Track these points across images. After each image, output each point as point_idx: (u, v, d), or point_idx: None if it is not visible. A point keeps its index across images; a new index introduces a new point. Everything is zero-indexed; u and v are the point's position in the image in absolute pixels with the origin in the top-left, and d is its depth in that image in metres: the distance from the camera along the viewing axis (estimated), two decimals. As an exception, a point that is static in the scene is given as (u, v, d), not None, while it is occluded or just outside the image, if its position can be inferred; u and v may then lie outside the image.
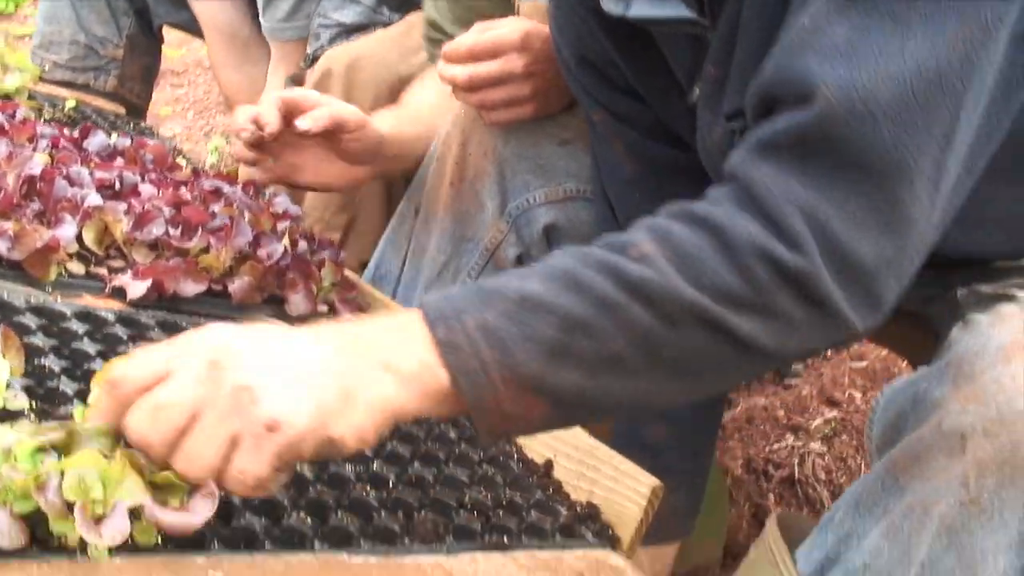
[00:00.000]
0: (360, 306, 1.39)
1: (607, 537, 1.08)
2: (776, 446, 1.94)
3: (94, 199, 1.28)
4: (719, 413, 1.52)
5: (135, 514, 0.76)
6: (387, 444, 1.09)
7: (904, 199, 0.82)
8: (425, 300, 0.84)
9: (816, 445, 1.92)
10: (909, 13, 0.80)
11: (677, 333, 0.81)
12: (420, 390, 0.81)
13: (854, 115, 0.80)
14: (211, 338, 0.80)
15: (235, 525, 0.86)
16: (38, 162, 1.32)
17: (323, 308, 1.35)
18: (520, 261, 1.48)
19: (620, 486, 1.09)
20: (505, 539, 1.00)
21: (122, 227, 1.25)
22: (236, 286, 1.26)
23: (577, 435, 1.15)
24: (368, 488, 1.00)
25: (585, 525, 1.09)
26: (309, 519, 0.91)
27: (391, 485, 1.02)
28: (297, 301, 1.30)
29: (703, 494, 1.44)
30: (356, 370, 0.80)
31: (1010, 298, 0.97)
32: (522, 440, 1.20)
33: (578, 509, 1.10)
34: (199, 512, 0.78)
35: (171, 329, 1.16)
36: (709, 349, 0.82)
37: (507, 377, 0.81)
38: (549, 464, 1.16)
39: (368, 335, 0.83)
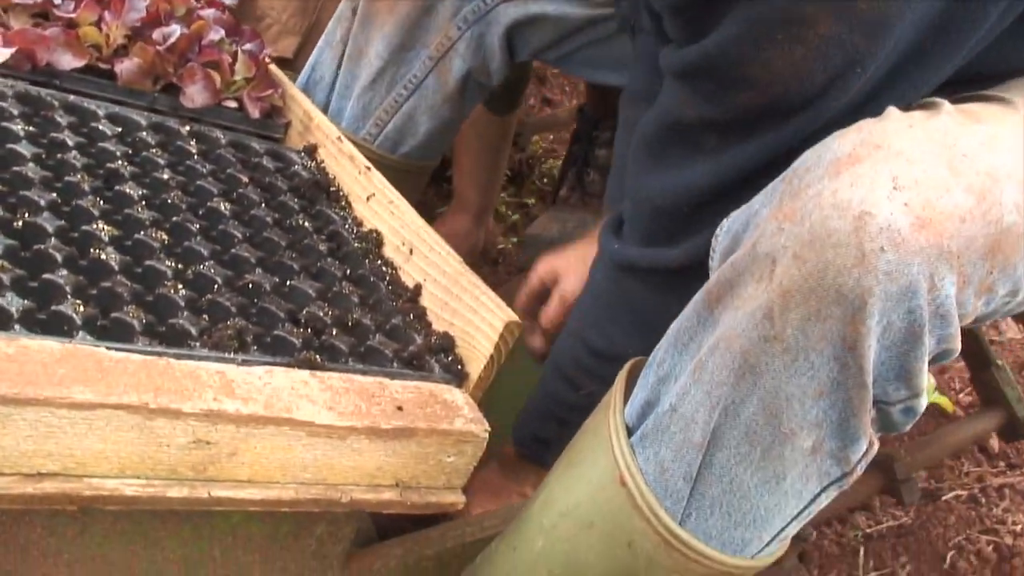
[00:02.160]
0: (273, 107, 1.29)
1: (455, 372, 0.98)
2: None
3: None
4: None
5: None
6: (233, 247, 1.00)
7: None
8: None
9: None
10: None
11: None
12: None
13: None
14: None
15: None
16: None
17: (231, 104, 1.25)
18: (466, 81, 1.35)
19: (477, 318, 0.99)
20: (325, 359, 0.91)
21: (5, -10, 1.15)
22: (123, 66, 1.16)
23: (448, 259, 1.04)
24: (181, 287, 0.91)
25: (437, 356, 1.00)
26: (84, 308, 0.83)
27: (215, 288, 0.94)
28: (193, 92, 1.21)
29: None
30: None
31: (938, 105, 0.83)
32: (399, 262, 1.10)
33: (433, 339, 1.01)
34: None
35: (31, 102, 1.08)
36: None
37: None
38: (418, 289, 1.06)
39: None
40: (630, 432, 0.88)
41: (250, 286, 0.97)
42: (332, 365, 0.91)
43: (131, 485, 0.79)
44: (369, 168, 1.17)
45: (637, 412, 0.87)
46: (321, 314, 0.97)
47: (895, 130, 0.77)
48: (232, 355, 0.86)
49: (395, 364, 0.96)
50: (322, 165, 1.23)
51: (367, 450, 0.88)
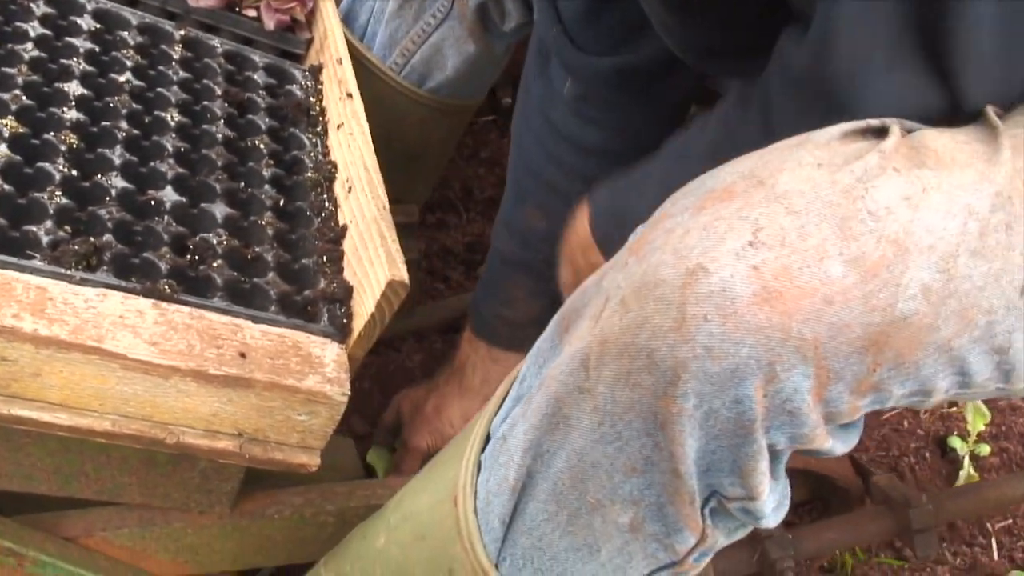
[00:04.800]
0: (297, 21, 1.24)
1: (339, 326, 0.91)
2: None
3: None
4: None
5: None
6: (154, 161, 0.96)
7: None
8: None
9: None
10: None
11: None
12: None
13: None
14: None
15: None
16: None
17: (250, 13, 1.21)
18: (483, 13, 1.24)
19: (372, 271, 0.90)
20: (185, 291, 0.86)
21: None
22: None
23: (371, 203, 0.96)
24: (60, 195, 0.88)
25: (330, 307, 0.92)
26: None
27: (105, 200, 0.90)
28: (201, -7, 1.17)
29: None
30: None
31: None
32: (340, 200, 1.03)
33: (334, 287, 0.94)
34: None
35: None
36: None
37: None
38: (343, 231, 0.99)
39: None
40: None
41: (151, 203, 0.93)
42: (189, 299, 0.86)
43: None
44: (351, 96, 1.10)
45: (498, 433, 0.76)
46: (215, 243, 0.92)
47: (793, 165, 0.61)
48: (71, 272, 0.82)
49: (276, 308, 0.90)
50: (320, 87, 1.17)
51: (197, 394, 0.83)
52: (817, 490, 1.21)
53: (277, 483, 1.05)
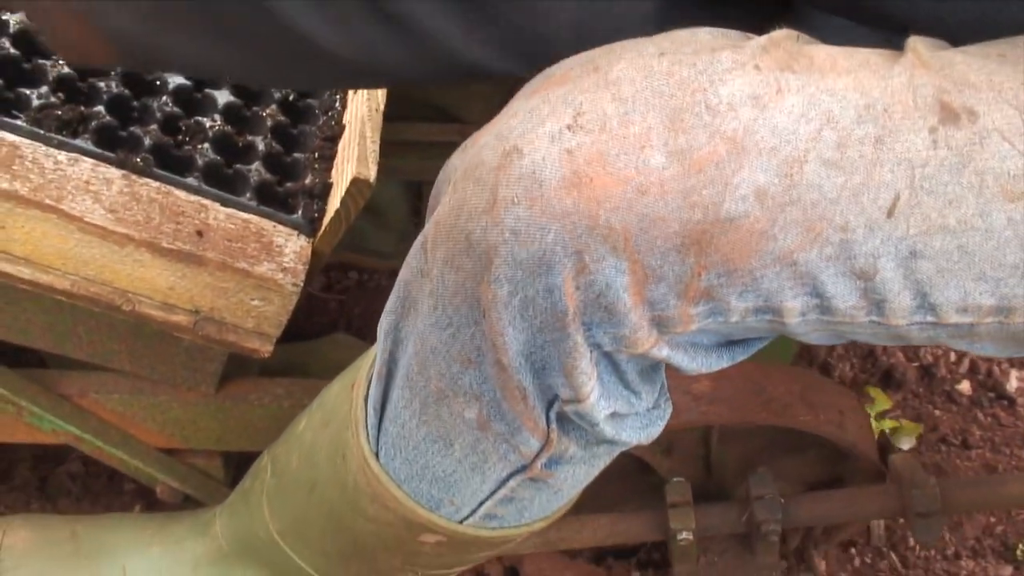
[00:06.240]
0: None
1: (310, 219, 0.92)
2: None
3: None
4: None
5: None
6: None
7: None
8: None
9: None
10: None
11: None
12: None
13: None
14: None
15: None
16: None
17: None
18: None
19: (347, 169, 0.91)
20: (159, 166, 0.89)
21: None
22: None
23: (364, 104, 0.96)
24: (62, 66, 0.92)
25: (307, 201, 0.94)
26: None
27: (109, 75, 0.94)
28: None
29: None
30: None
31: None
32: (349, 99, 1.03)
33: (316, 183, 0.95)
34: None
35: None
36: None
37: None
38: (341, 130, 0.99)
39: None
40: None
41: (155, 83, 0.96)
42: (161, 174, 0.88)
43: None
44: None
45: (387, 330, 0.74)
46: (208, 125, 0.94)
47: (633, 54, 0.58)
48: (50, 135, 0.86)
49: (251, 195, 0.91)
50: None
51: (152, 265, 0.86)
52: (834, 468, 1.15)
53: (273, 374, 1.08)
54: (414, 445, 0.71)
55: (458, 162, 0.61)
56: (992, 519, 1.26)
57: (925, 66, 0.57)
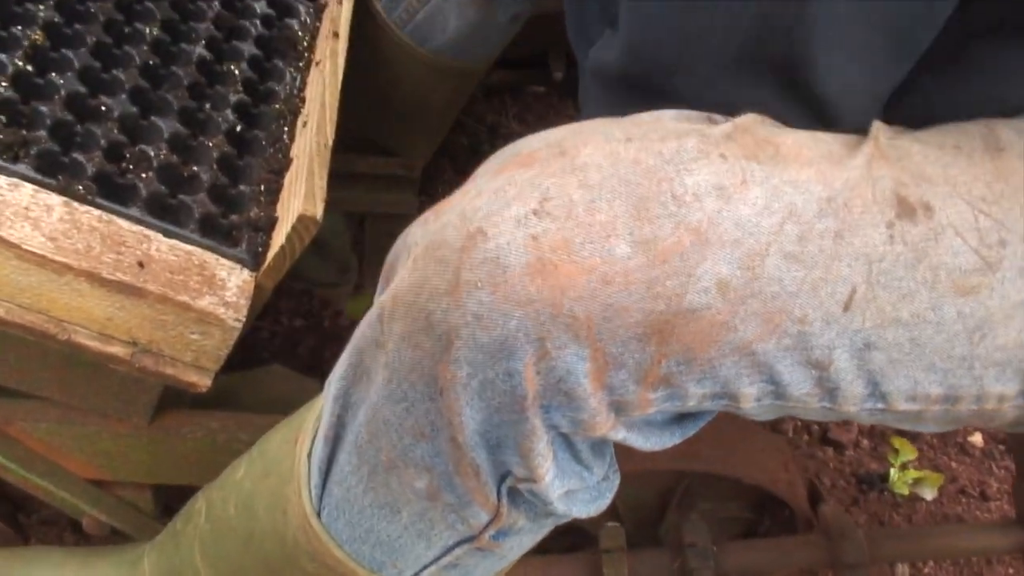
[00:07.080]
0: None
1: (254, 254, 0.91)
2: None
3: None
4: None
5: None
6: (116, 68, 0.98)
7: None
8: None
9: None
10: None
11: None
12: None
13: None
14: None
15: None
16: None
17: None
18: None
19: (292, 204, 0.90)
20: (103, 195, 0.87)
21: None
22: None
23: (312, 140, 0.96)
24: (4, 85, 0.90)
25: (251, 234, 0.92)
26: None
27: (52, 98, 0.92)
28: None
29: None
30: None
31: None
32: (297, 133, 1.03)
33: (261, 216, 0.94)
34: None
35: None
36: None
37: None
38: (288, 164, 0.99)
39: None
40: None
41: (100, 108, 0.94)
42: (104, 203, 0.87)
43: None
44: (336, 35, 1.10)
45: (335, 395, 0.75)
46: (153, 155, 0.93)
47: (600, 139, 0.58)
48: (-8, 160, 0.84)
49: (194, 227, 0.90)
50: (318, 25, 1.17)
51: (90, 295, 0.84)
52: (762, 509, 1.16)
53: (206, 407, 1.06)
54: (359, 509, 0.70)
55: (419, 236, 0.61)
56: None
57: (884, 157, 0.58)
